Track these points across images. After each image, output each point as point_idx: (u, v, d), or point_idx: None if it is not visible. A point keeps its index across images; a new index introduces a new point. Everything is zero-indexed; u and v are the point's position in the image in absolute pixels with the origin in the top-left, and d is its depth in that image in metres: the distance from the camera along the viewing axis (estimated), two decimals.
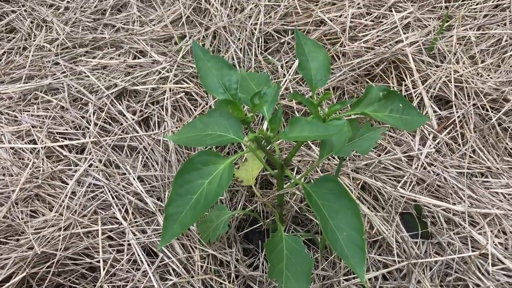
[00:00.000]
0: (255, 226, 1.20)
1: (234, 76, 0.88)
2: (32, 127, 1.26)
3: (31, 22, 1.59)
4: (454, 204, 1.13)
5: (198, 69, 0.88)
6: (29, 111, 1.31)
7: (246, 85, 1.06)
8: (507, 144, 1.26)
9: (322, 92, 1.35)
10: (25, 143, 1.24)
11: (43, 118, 1.29)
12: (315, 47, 0.93)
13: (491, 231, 1.09)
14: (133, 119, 1.30)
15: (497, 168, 1.21)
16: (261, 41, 1.49)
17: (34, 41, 1.52)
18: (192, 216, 0.81)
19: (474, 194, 1.15)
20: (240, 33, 1.49)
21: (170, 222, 0.82)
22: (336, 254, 1.09)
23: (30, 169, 1.19)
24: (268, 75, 1.13)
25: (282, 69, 1.43)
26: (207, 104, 1.34)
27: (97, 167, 1.21)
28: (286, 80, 1.38)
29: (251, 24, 1.49)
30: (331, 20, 1.47)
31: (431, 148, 1.23)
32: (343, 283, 1.06)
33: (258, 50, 1.47)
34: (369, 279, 1.07)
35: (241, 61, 1.44)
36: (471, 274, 1.04)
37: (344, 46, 1.41)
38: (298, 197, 1.20)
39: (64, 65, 1.42)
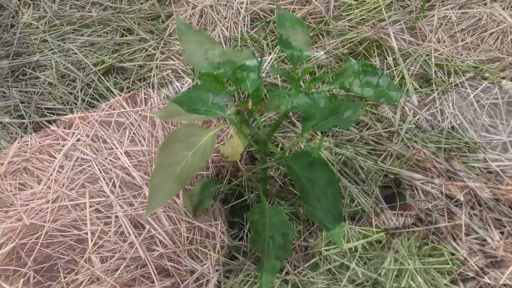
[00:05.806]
0: (240, 201, 1.23)
1: (217, 50, 0.90)
2: (20, 102, 1.28)
3: (19, 0, 1.59)
4: (433, 177, 1.17)
5: (181, 43, 0.90)
6: (17, 87, 1.33)
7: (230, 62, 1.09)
8: (484, 120, 1.29)
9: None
10: (13, 118, 1.26)
11: (31, 94, 1.31)
12: (295, 21, 0.95)
13: (467, 203, 1.13)
14: (120, 95, 1.32)
15: (475, 144, 1.25)
16: (248, 20, 1.51)
17: (21, 18, 1.52)
18: (176, 186, 0.84)
19: (451, 168, 1.19)
20: (227, 11, 1.50)
21: (155, 192, 0.84)
22: (317, 225, 1.12)
23: (18, 143, 1.21)
24: (252, 51, 1.15)
25: (268, 47, 1.45)
26: (193, 81, 1.36)
27: (84, 141, 1.23)
28: (271, 59, 1.41)
29: (237, 3, 1.51)
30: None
31: (411, 124, 1.27)
32: (324, 252, 1.10)
33: (244, 29, 1.49)
34: (350, 249, 1.10)
35: (227, 39, 1.46)
36: (447, 243, 1.08)
37: (328, 25, 1.43)
38: (282, 172, 1.23)
39: (52, 42, 1.43)
